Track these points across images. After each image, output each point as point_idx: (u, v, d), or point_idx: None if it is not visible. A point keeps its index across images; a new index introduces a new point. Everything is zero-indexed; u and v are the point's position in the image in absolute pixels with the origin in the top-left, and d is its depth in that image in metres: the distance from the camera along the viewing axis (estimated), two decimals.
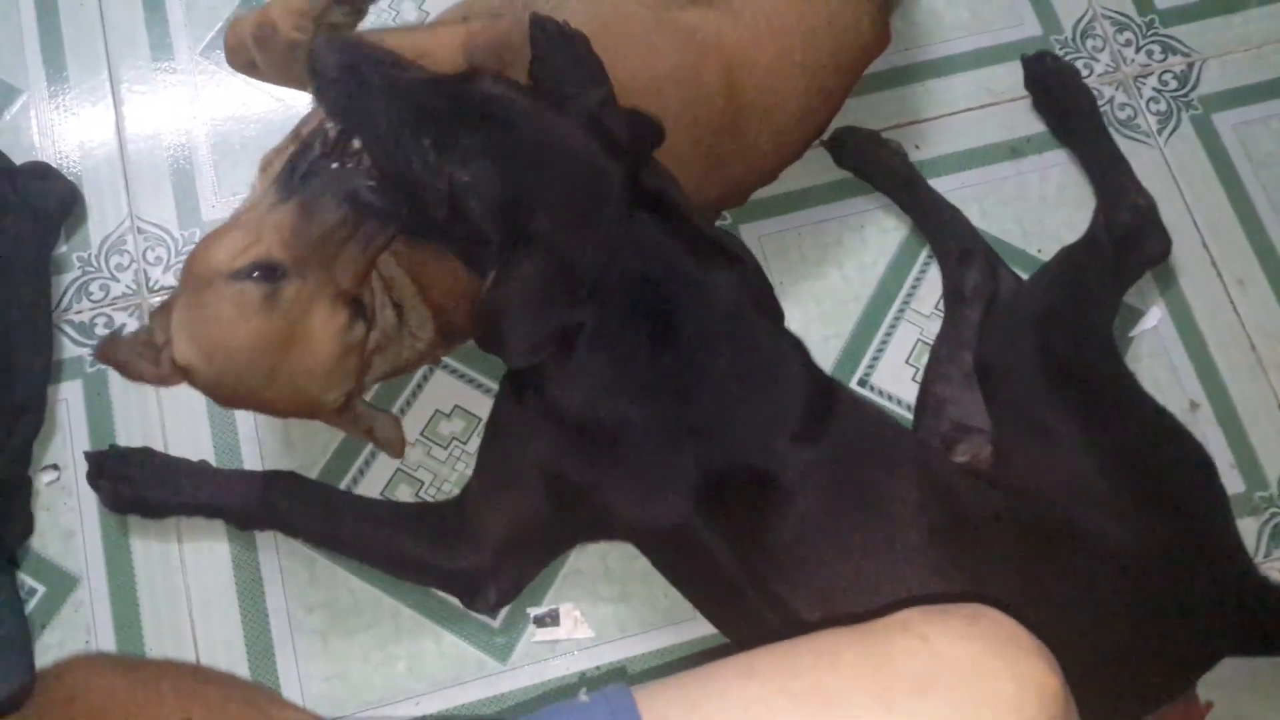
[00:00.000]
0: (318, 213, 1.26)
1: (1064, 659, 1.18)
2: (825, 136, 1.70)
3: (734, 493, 1.25)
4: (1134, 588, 1.23)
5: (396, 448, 1.47)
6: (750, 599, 1.26)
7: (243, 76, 1.49)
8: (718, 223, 1.68)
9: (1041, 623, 1.17)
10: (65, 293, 1.64)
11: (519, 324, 1.24)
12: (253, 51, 1.39)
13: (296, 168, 1.30)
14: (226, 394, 1.32)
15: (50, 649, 1.46)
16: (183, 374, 1.29)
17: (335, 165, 1.28)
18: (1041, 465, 1.31)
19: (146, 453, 1.50)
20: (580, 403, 1.28)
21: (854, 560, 1.21)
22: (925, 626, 0.89)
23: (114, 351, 1.31)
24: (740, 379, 1.27)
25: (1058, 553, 1.24)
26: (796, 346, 1.34)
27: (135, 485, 1.47)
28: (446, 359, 1.61)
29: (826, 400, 1.30)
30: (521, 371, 1.32)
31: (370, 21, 1.53)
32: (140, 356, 1.30)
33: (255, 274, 1.24)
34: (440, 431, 1.58)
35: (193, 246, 1.35)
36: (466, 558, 1.38)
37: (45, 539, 1.51)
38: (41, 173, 1.66)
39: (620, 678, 1.46)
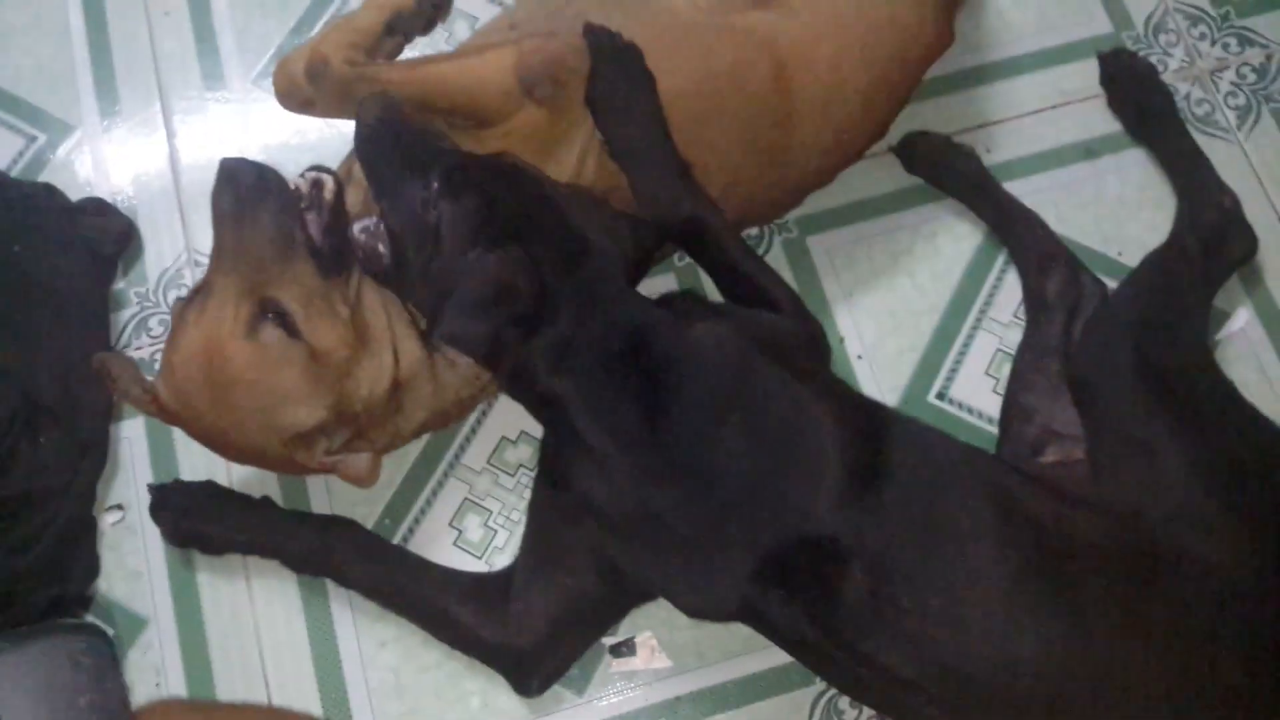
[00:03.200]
0: (214, 213, 1.31)
1: (1173, 691, 1.14)
2: (895, 143, 1.66)
3: (793, 567, 1.19)
4: (1247, 614, 1.16)
5: (365, 480, 1.37)
6: (840, 660, 1.21)
7: None
8: (780, 235, 1.64)
9: (1147, 655, 1.14)
10: (124, 329, 1.62)
11: (458, 309, 1.22)
12: (305, 89, 1.37)
13: None
14: (192, 422, 1.32)
15: None
16: (157, 403, 1.31)
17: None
18: (1142, 484, 1.25)
19: (210, 487, 1.48)
20: (608, 496, 1.24)
21: (938, 606, 1.15)
22: None
23: (111, 364, 1.34)
24: (758, 444, 1.21)
25: (1161, 581, 1.17)
26: (823, 390, 1.28)
27: (196, 519, 1.46)
28: None
29: (874, 440, 1.23)
30: (551, 464, 1.33)
31: (424, 42, 1.51)
32: (134, 380, 1.33)
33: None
34: (507, 459, 1.54)
35: None
36: (515, 638, 1.33)
37: (111, 580, 1.49)
38: (97, 209, 1.65)
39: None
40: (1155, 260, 1.49)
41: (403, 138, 1.28)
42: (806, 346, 1.39)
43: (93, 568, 1.47)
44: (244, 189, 1.30)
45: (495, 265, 1.21)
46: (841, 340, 1.60)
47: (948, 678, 1.15)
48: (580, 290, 1.25)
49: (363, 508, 1.51)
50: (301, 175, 1.35)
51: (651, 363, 1.24)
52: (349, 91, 1.35)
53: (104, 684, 1.32)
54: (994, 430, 1.51)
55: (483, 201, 1.25)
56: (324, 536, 1.43)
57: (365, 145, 1.29)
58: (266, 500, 1.48)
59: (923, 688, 1.16)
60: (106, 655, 1.34)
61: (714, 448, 1.21)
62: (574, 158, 1.39)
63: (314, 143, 1.71)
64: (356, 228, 1.33)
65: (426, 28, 1.47)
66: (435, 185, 1.25)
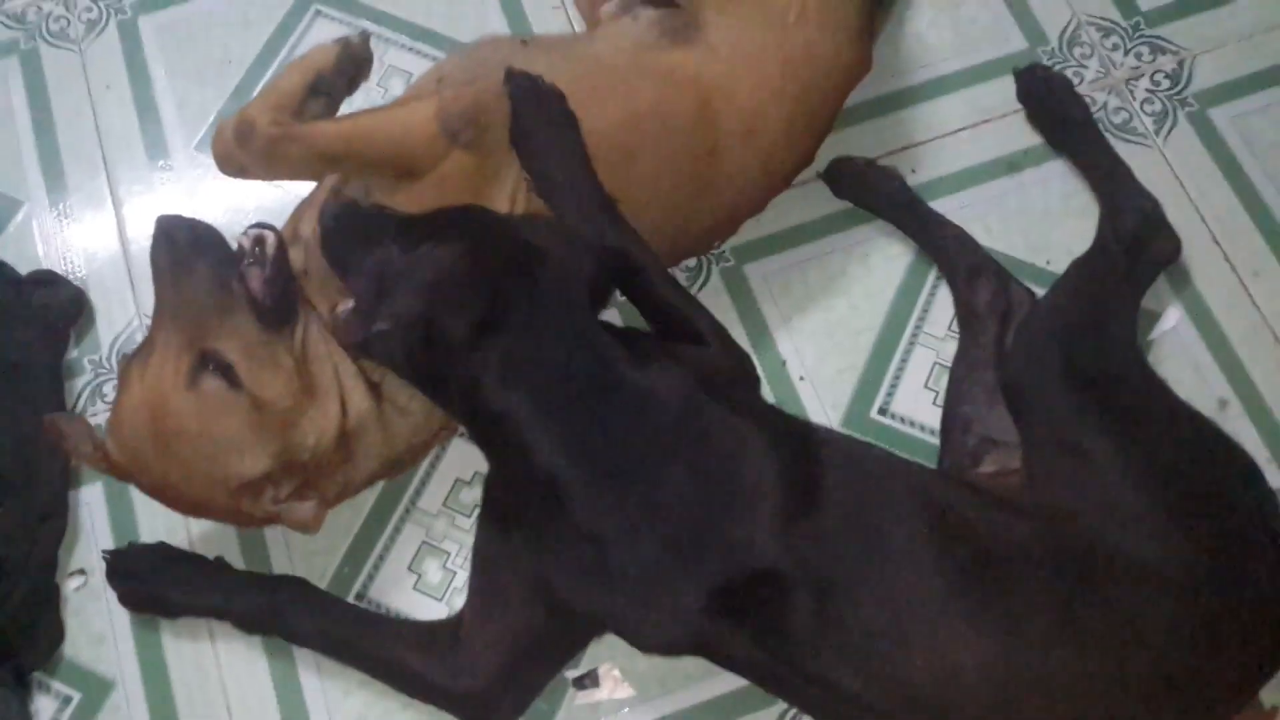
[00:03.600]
0: (153, 269, 1.34)
1: (1113, 691, 1.17)
2: (821, 169, 1.70)
3: (740, 599, 1.20)
4: (1180, 608, 1.18)
5: (309, 527, 1.37)
6: (792, 681, 1.24)
7: None
8: (718, 265, 1.68)
9: (1083, 655, 1.16)
10: (79, 397, 1.64)
11: (396, 297, 1.22)
12: (239, 154, 1.40)
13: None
14: (142, 476, 1.33)
15: None
16: (107, 459, 1.33)
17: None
18: (1075, 487, 1.27)
19: (162, 549, 1.49)
20: (557, 530, 1.24)
21: (880, 622, 1.17)
22: None
23: (62, 423, 1.36)
24: (702, 479, 1.22)
25: (1094, 580, 1.19)
26: (757, 420, 1.29)
27: (149, 584, 1.47)
28: None
29: (809, 464, 1.25)
30: (496, 500, 1.35)
31: (360, 98, 1.54)
32: (85, 437, 1.35)
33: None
34: (463, 500, 1.57)
35: None
36: (469, 682, 1.34)
37: (77, 645, 1.50)
38: (47, 280, 1.68)
39: None
40: (1080, 266, 1.52)
41: (359, 220, 1.30)
42: (738, 377, 1.42)
43: (56, 635, 1.48)
44: (180, 244, 1.32)
45: (437, 253, 1.22)
46: (783, 364, 1.63)
47: (893, 691, 1.17)
48: (535, 298, 1.24)
49: (322, 558, 1.52)
50: (244, 232, 1.37)
51: (605, 389, 1.24)
52: (277, 151, 1.38)
53: None
54: (937, 442, 1.54)
55: (432, 225, 1.27)
56: (272, 597, 1.43)
57: (327, 240, 1.32)
58: (219, 561, 1.49)
59: (870, 702, 1.19)
60: (14, 710, 1.35)
61: (661, 484, 1.22)
62: (505, 198, 1.42)
63: (259, 205, 1.73)
64: (339, 310, 1.33)
65: (350, 86, 1.50)
66: (390, 234, 1.27)
